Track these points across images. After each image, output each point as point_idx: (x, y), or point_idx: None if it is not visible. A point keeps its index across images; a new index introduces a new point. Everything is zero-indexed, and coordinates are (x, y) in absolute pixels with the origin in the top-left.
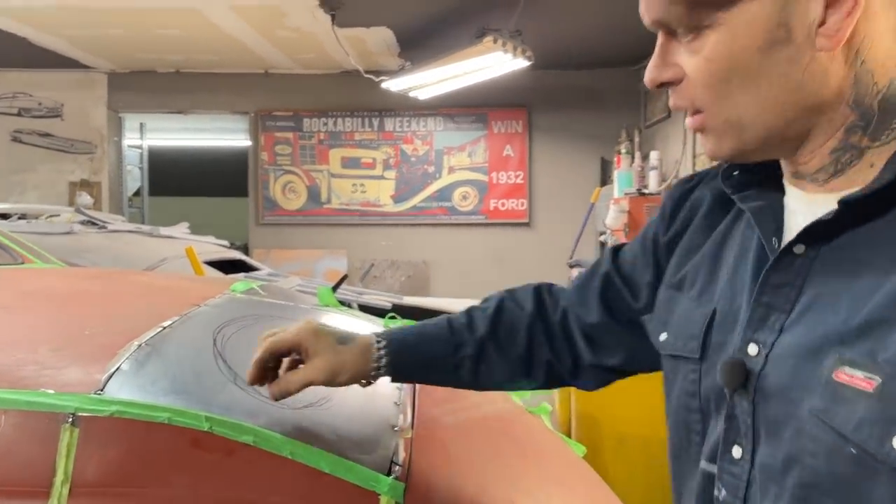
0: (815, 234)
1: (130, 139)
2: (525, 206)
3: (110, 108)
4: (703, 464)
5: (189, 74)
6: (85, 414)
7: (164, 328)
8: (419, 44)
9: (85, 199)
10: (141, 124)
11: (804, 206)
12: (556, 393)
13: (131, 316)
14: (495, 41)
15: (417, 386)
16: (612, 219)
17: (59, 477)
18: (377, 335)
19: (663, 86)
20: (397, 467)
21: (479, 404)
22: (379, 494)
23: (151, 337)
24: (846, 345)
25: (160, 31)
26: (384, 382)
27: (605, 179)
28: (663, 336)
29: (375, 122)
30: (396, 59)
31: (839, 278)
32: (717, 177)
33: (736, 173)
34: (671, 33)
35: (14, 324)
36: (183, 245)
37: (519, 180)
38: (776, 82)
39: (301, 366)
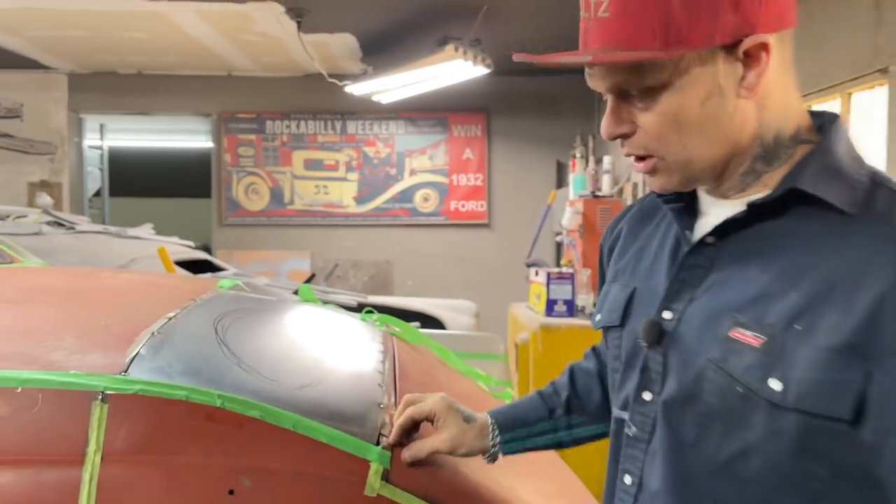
0: (727, 228)
1: (91, 140)
2: (484, 207)
3: (70, 108)
4: (616, 412)
5: (151, 76)
6: (112, 392)
7: (170, 319)
8: (382, 50)
9: (44, 199)
10: (101, 125)
11: (715, 209)
12: (516, 385)
13: (136, 309)
14: (456, 49)
15: (397, 370)
16: (568, 220)
17: (92, 447)
18: (492, 416)
19: (618, 138)
20: (384, 438)
21: (452, 389)
22: (370, 461)
23: (161, 327)
24: (740, 311)
25: (124, 33)
26: (368, 365)
27: (561, 182)
28: (598, 317)
29: (338, 124)
30: (359, 63)
31: (739, 263)
32: (632, 207)
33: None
34: (622, 95)
35: (34, 315)
36: (150, 245)
37: (478, 182)
38: (713, 126)
39: (432, 434)
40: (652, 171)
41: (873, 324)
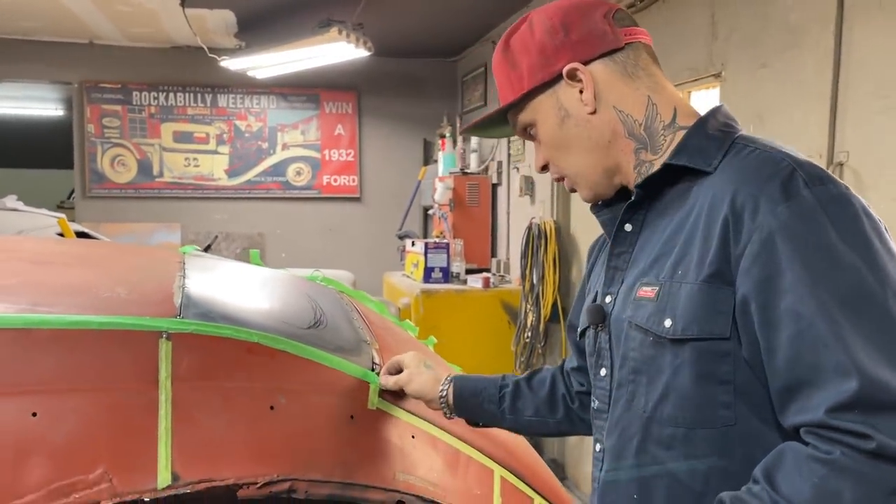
0: (630, 211)
1: None
2: (356, 182)
3: None
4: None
5: (1, 40)
6: (174, 332)
7: (183, 278)
8: (259, 27)
9: None
10: None
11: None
12: None
13: (145, 270)
14: (340, 32)
15: (364, 316)
16: (440, 194)
17: (163, 374)
18: (451, 376)
19: (544, 169)
20: (377, 366)
21: (398, 333)
22: (369, 383)
23: (183, 282)
24: (644, 275)
25: None
26: (346, 312)
27: (428, 159)
28: (579, 328)
29: (208, 97)
30: (232, 38)
31: (648, 239)
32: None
33: (599, 203)
34: (529, 138)
35: (74, 274)
36: (33, 218)
37: (350, 158)
38: (579, 140)
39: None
40: (569, 188)
41: (724, 249)
